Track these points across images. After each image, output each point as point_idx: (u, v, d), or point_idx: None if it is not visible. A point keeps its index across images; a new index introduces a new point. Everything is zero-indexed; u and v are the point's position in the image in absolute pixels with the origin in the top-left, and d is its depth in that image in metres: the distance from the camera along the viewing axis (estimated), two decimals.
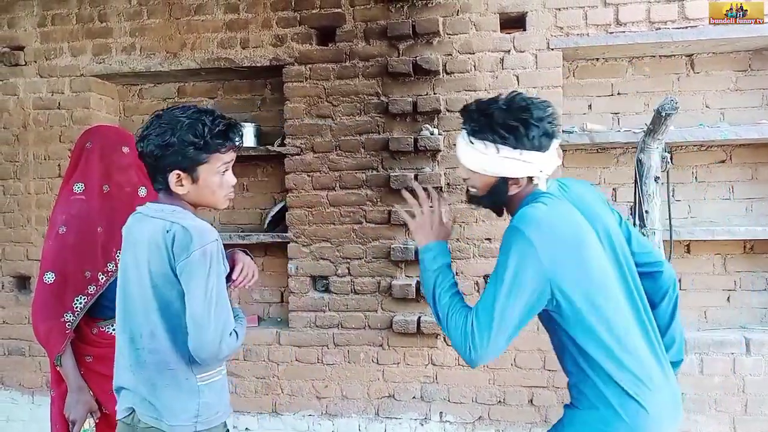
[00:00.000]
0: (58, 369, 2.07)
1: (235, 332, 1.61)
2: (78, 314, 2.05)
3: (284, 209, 3.40)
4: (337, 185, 3.28)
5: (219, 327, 1.53)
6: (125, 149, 2.15)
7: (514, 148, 1.56)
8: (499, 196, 1.67)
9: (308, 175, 3.31)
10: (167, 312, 1.58)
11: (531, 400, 3.15)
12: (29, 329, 3.54)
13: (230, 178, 1.67)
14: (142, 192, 2.15)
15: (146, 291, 1.58)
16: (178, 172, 1.58)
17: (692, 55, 3.21)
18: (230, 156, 1.65)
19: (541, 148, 1.58)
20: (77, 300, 2.05)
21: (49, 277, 2.04)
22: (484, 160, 1.61)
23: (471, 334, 1.53)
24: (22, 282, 3.65)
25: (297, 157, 3.31)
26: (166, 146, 1.55)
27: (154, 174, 1.63)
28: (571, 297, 1.53)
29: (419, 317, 3.16)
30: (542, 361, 3.11)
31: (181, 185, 1.60)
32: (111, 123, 3.71)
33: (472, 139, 1.62)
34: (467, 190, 1.78)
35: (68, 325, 2.03)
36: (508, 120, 1.57)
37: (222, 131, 1.60)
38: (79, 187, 2.11)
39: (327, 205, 3.29)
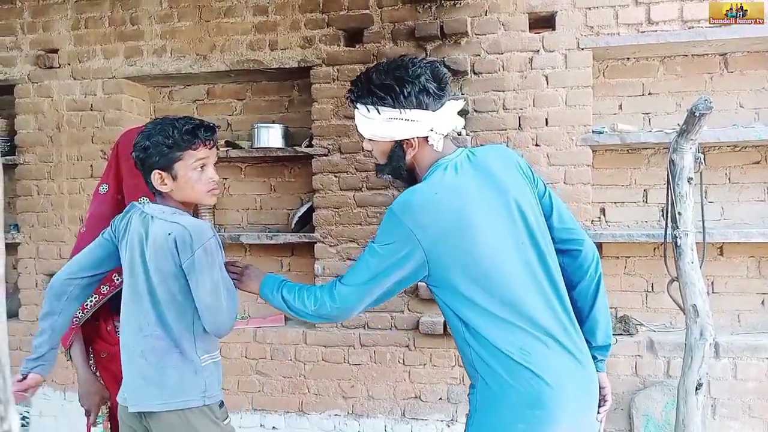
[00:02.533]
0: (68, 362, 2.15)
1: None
2: (87, 311, 2.08)
3: (311, 210, 3.42)
4: (364, 186, 3.29)
5: (232, 310, 1.76)
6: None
7: (393, 107, 1.55)
8: (398, 162, 1.64)
9: (335, 176, 3.32)
10: (173, 302, 1.75)
11: None
12: None
13: (211, 174, 1.81)
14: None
15: (152, 284, 1.75)
16: (158, 171, 1.76)
17: (726, 53, 3.15)
18: (204, 152, 1.78)
19: (422, 105, 1.55)
20: (89, 298, 2.06)
21: None
22: (372, 124, 1.60)
23: (331, 288, 1.61)
24: None
25: (324, 157, 3.33)
26: (145, 149, 1.75)
27: (145, 178, 1.80)
28: (450, 271, 1.51)
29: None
30: None
31: (164, 184, 1.77)
32: (142, 124, 3.76)
33: (358, 105, 1.62)
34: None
35: (75, 320, 2.06)
36: (384, 80, 1.56)
37: (189, 129, 1.75)
38: (103, 188, 2.17)
39: (354, 206, 3.30)
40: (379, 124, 1.59)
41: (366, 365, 3.32)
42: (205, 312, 1.73)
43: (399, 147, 1.62)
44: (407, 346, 3.26)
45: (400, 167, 1.66)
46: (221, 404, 1.85)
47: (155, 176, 1.75)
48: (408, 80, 1.54)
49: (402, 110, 1.55)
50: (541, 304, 1.54)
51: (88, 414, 2.13)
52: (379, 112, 1.57)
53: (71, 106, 3.65)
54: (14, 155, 3.73)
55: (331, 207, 3.32)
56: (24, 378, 1.93)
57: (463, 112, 3.12)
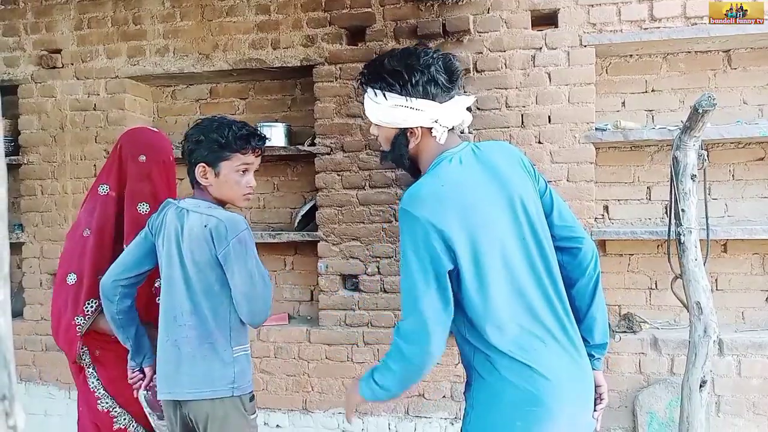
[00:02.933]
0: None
1: None
2: (89, 318, 2.06)
3: (314, 208, 3.42)
4: (367, 184, 3.29)
5: (267, 299, 1.84)
6: (142, 158, 2.13)
7: (400, 94, 1.54)
8: (400, 150, 1.63)
9: (338, 174, 3.32)
10: (210, 293, 1.83)
11: None
12: None
13: (250, 180, 1.92)
14: (142, 208, 2.12)
15: (188, 275, 1.83)
16: (203, 164, 1.86)
17: (729, 50, 3.14)
18: (250, 158, 1.90)
19: (429, 95, 1.54)
20: (88, 303, 2.06)
21: (72, 278, 2.08)
22: (378, 109, 1.60)
23: (396, 333, 1.51)
24: None
25: (327, 156, 3.33)
26: (197, 142, 1.86)
27: (190, 169, 1.91)
28: (460, 259, 1.48)
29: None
30: None
31: (206, 178, 1.87)
32: (145, 124, 3.78)
33: (367, 88, 1.62)
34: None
35: (78, 328, 2.05)
36: (395, 66, 1.55)
37: (244, 135, 1.87)
38: (103, 189, 2.13)
39: (357, 204, 3.31)
40: (385, 110, 1.58)
41: (370, 363, 3.32)
42: (242, 300, 1.81)
43: (402, 135, 1.61)
44: None
45: (403, 155, 1.65)
46: (252, 398, 1.92)
47: (199, 168, 1.86)
48: (417, 69, 1.53)
49: (408, 98, 1.55)
50: (542, 301, 1.54)
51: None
52: (386, 97, 1.57)
53: (74, 106, 3.66)
54: (18, 155, 3.74)
55: (334, 205, 3.33)
56: (141, 371, 2.01)
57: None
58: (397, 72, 1.54)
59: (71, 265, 2.10)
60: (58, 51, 3.67)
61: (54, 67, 3.66)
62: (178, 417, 1.89)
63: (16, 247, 3.76)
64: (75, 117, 3.66)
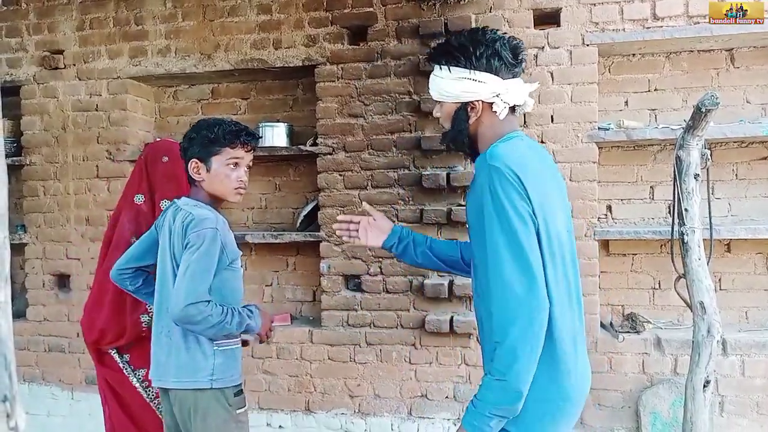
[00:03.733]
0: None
1: (214, 307, 1.81)
2: (151, 315, 2.25)
3: (316, 208, 3.42)
4: (369, 184, 3.29)
5: (186, 294, 1.78)
6: (165, 159, 2.38)
7: (465, 67, 1.59)
8: (461, 125, 1.66)
9: (340, 174, 3.32)
10: None
11: None
12: (69, 326, 3.67)
13: (240, 174, 1.99)
14: (165, 205, 2.33)
15: (171, 271, 1.93)
16: (196, 160, 1.96)
17: (732, 49, 3.13)
18: (240, 153, 1.98)
19: (492, 69, 1.59)
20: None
21: None
22: (441, 84, 1.65)
23: (517, 297, 1.43)
24: (62, 280, 3.73)
25: (329, 156, 3.32)
26: (190, 140, 1.98)
27: (185, 166, 2.00)
28: (540, 233, 1.49)
29: (452, 317, 3.14)
30: None
31: (198, 173, 1.96)
32: (146, 124, 3.79)
33: (432, 64, 1.69)
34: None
35: (143, 324, 2.33)
36: (461, 41, 1.62)
37: (233, 130, 1.96)
38: (139, 198, 2.37)
39: (359, 204, 3.30)
40: (448, 83, 1.63)
41: (372, 364, 3.32)
42: (172, 289, 1.86)
43: (463, 109, 1.64)
44: (413, 345, 3.26)
45: (462, 131, 1.67)
46: (238, 392, 1.96)
47: (192, 164, 1.96)
48: (482, 42, 1.59)
49: (471, 70, 1.59)
50: (578, 299, 1.60)
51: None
52: (450, 70, 1.62)
53: (76, 107, 3.66)
54: (20, 156, 3.74)
55: (336, 205, 3.32)
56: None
57: None
58: (463, 46, 1.60)
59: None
60: (60, 52, 3.67)
61: (56, 68, 3.66)
62: (167, 405, 1.99)
63: (18, 248, 3.76)
64: (77, 118, 3.66)
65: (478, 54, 1.58)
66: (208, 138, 1.94)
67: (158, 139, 2.59)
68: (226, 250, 1.93)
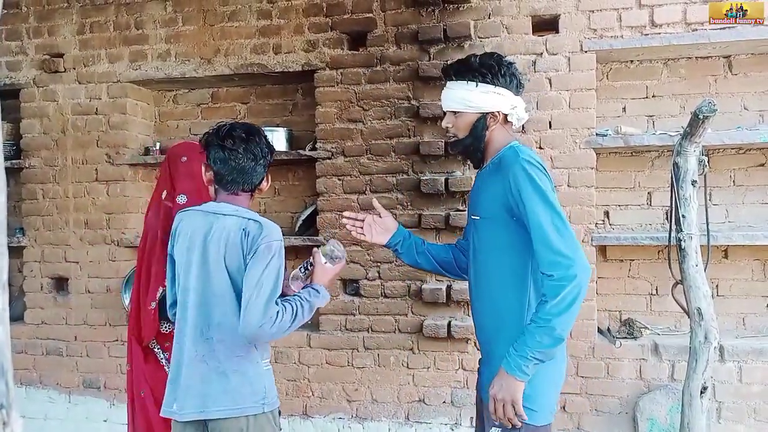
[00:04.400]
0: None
1: (284, 312, 1.74)
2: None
3: (315, 213, 3.42)
4: (368, 189, 3.29)
5: (263, 314, 1.68)
6: (184, 159, 2.42)
7: (490, 82, 1.86)
8: (479, 132, 1.91)
9: (339, 179, 3.33)
10: (240, 301, 1.75)
11: (563, 407, 3.11)
12: (67, 330, 3.67)
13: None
14: (180, 199, 2.37)
15: (221, 284, 1.76)
16: (267, 174, 1.98)
17: (730, 56, 3.14)
18: None
19: (510, 86, 1.89)
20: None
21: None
22: (467, 96, 1.89)
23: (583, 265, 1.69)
24: (60, 283, 3.74)
25: (328, 161, 3.33)
26: (270, 152, 1.97)
27: (239, 177, 1.89)
28: None
29: (449, 321, 3.14)
30: (575, 367, 3.07)
31: (267, 182, 1.99)
32: (146, 127, 3.80)
33: (456, 79, 1.92)
34: (449, 141, 2.08)
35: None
36: (486, 60, 1.89)
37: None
38: (164, 195, 2.40)
39: (358, 209, 3.30)
40: (473, 95, 1.88)
41: (370, 368, 3.32)
42: (242, 306, 1.71)
43: (483, 119, 1.90)
44: (411, 349, 3.26)
45: (480, 138, 1.92)
46: (279, 412, 1.88)
47: (267, 178, 1.98)
48: (504, 63, 1.90)
49: (496, 86, 1.87)
50: None
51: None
52: (477, 85, 1.87)
53: (76, 110, 3.67)
54: (20, 159, 3.75)
55: (335, 210, 3.33)
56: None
57: None
58: (489, 65, 1.87)
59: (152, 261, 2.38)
60: (61, 55, 3.68)
61: (56, 71, 3.67)
62: None
63: (17, 251, 3.77)
64: (77, 121, 3.67)
65: (502, 72, 1.87)
66: (271, 150, 1.97)
67: (178, 142, 2.69)
68: (283, 263, 1.84)
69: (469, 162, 3.14)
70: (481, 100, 1.87)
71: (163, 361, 2.41)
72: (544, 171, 1.79)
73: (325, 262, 1.98)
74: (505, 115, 1.90)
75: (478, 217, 1.93)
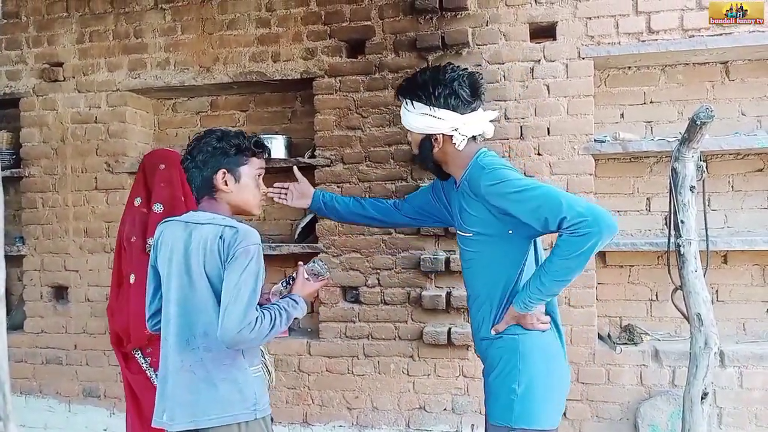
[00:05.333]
0: None
1: (263, 319, 1.71)
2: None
3: (314, 220, 3.43)
4: (367, 196, 3.29)
5: (240, 319, 1.65)
6: (162, 166, 2.46)
7: (425, 104, 1.82)
8: (426, 153, 1.91)
9: (338, 186, 3.33)
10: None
11: (564, 413, 3.10)
12: (67, 338, 3.66)
13: (263, 186, 1.94)
14: (156, 208, 2.42)
15: (203, 293, 1.75)
16: (224, 170, 1.82)
17: (727, 62, 3.16)
18: (263, 164, 1.92)
19: (451, 107, 1.81)
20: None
21: (132, 278, 2.40)
22: (407, 116, 1.89)
23: (588, 215, 1.67)
24: (60, 292, 3.73)
25: (327, 168, 3.34)
26: (214, 149, 1.82)
27: (200, 180, 1.84)
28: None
29: (449, 328, 3.14)
30: (576, 373, 3.07)
31: (226, 184, 1.82)
32: (145, 136, 3.81)
33: (401, 97, 1.91)
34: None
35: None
36: (423, 78, 1.84)
37: (259, 142, 1.89)
38: (137, 201, 2.47)
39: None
40: (414, 117, 1.86)
41: (370, 376, 3.31)
42: (221, 310, 1.68)
43: (428, 140, 1.88)
44: (411, 357, 3.26)
45: (427, 158, 1.92)
46: (272, 419, 1.86)
47: (220, 175, 1.82)
48: (441, 82, 1.81)
49: (431, 107, 1.82)
50: None
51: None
52: (414, 105, 1.85)
53: (76, 119, 3.68)
54: (19, 168, 3.75)
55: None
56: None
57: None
58: (424, 84, 1.82)
59: (130, 267, 2.43)
60: (60, 64, 3.69)
61: (55, 80, 3.68)
62: None
63: (16, 260, 3.76)
64: (76, 130, 3.67)
65: (437, 93, 1.80)
66: (237, 147, 1.83)
67: (155, 149, 2.66)
68: (262, 267, 1.81)
69: None
70: (419, 122, 1.86)
71: (144, 365, 2.43)
72: (507, 166, 1.83)
73: (308, 278, 1.98)
74: (450, 137, 1.85)
75: (470, 234, 1.93)
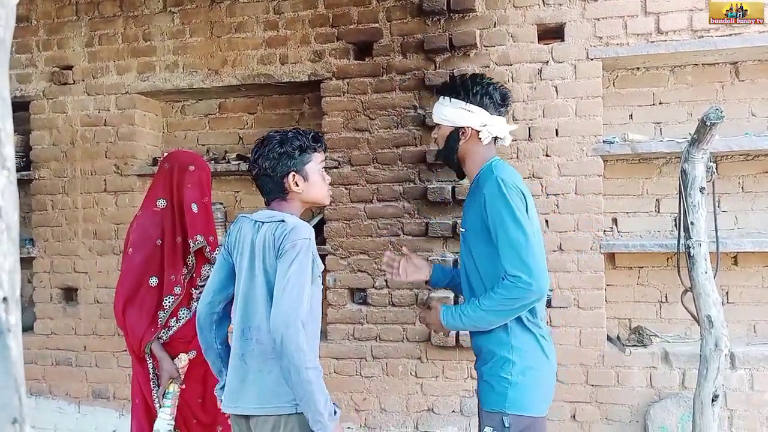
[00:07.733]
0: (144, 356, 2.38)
1: (310, 353, 1.72)
2: (171, 329, 2.41)
3: (322, 222, 3.43)
4: (375, 198, 3.30)
5: (290, 310, 1.69)
6: (191, 168, 2.48)
7: (462, 99, 2.03)
8: (452, 145, 2.07)
9: (346, 188, 3.33)
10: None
11: (573, 416, 3.09)
12: (77, 340, 3.69)
13: (326, 176, 2.01)
14: (194, 208, 2.45)
15: (261, 287, 1.83)
16: (293, 173, 1.90)
17: (737, 62, 3.14)
18: (323, 155, 2.01)
19: (483, 105, 2.02)
20: (166, 299, 2.39)
21: (154, 281, 2.41)
22: (443, 110, 2.07)
23: (521, 272, 1.81)
24: (70, 294, 3.75)
25: (335, 170, 3.34)
26: (280, 155, 1.89)
27: (269, 185, 1.92)
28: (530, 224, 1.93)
29: (457, 331, 3.13)
30: (585, 375, 3.05)
31: (297, 185, 1.91)
32: (154, 138, 3.83)
33: (439, 96, 2.11)
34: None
35: (159, 321, 2.39)
36: (463, 79, 2.07)
37: (315, 136, 1.97)
38: (161, 203, 2.45)
39: (364, 218, 3.31)
40: (449, 110, 2.05)
41: (378, 377, 3.31)
42: (273, 303, 1.74)
43: (455, 133, 2.05)
44: (419, 359, 3.25)
45: (453, 150, 2.08)
46: None
47: (290, 178, 1.89)
48: (478, 82, 2.04)
49: (467, 103, 2.02)
50: None
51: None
52: (450, 101, 2.05)
53: (85, 122, 3.70)
54: (29, 170, 3.78)
55: (341, 219, 3.33)
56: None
57: None
58: (464, 83, 2.05)
59: (151, 270, 2.41)
60: (70, 67, 3.71)
61: (65, 84, 3.71)
62: (245, 430, 1.88)
63: (26, 262, 3.79)
64: (86, 132, 3.70)
65: (474, 91, 2.02)
66: (300, 148, 1.90)
67: (179, 150, 2.73)
68: (315, 263, 1.85)
69: None
70: (453, 115, 2.05)
71: (151, 372, 2.42)
72: (516, 190, 1.90)
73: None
74: (477, 131, 2.03)
75: (464, 230, 2.10)
